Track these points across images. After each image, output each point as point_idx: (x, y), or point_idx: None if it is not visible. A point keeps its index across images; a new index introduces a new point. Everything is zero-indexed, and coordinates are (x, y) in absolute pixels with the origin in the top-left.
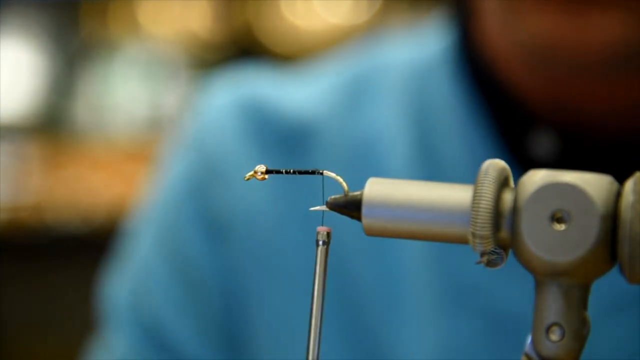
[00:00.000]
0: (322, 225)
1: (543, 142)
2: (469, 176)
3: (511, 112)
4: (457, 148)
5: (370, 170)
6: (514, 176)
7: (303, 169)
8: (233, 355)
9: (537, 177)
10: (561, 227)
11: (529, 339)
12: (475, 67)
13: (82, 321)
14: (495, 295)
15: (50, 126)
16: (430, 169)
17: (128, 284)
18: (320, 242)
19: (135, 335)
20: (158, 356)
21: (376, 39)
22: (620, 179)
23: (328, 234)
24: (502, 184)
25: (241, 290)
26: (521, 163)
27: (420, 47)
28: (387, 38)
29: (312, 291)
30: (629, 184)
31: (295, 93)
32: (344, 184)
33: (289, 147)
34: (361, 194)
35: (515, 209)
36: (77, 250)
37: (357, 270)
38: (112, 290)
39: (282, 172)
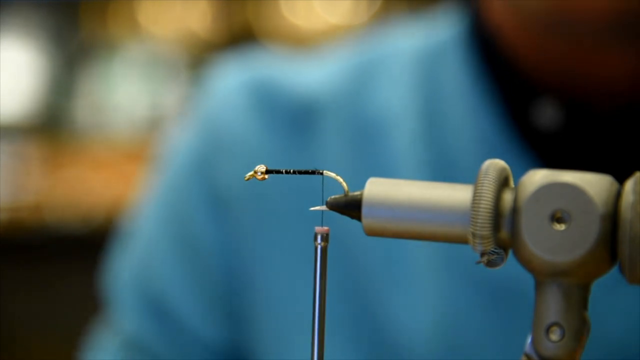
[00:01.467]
0: (322, 225)
1: (547, 112)
2: (474, 150)
3: (516, 84)
4: (463, 122)
5: (378, 146)
6: (519, 148)
7: (303, 169)
8: (236, 332)
9: (537, 177)
10: (561, 227)
11: (529, 339)
12: (483, 46)
13: (82, 321)
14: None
15: (50, 126)
16: (437, 143)
17: (133, 263)
18: (319, 243)
19: (141, 314)
20: (164, 333)
21: (384, 30)
22: (623, 150)
23: (327, 234)
24: (502, 184)
25: (245, 266)
26: (526, 134)
27: (428, 35)
28: (395, 28)
29: (314, 292)
30: (629, 184)
31: (305, 74)
32: (344, 184)
33: (297, 125)
34: (361, 194)
35: (515, 209)
36: (77, 250)
37: (357, 239)
38: (117, 271)
39: (282, 172)
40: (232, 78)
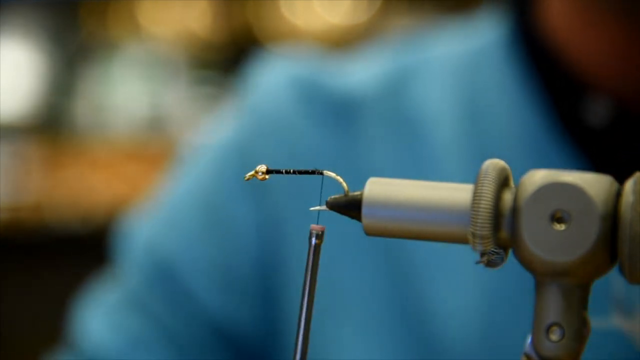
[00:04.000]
0: (318, 223)
1: (596, 110)
2: (520, 147)
3: (565, 82)
4: (508, 120)
5: (420, 142)
6: (567, 146)
7: (303, 169)
8: (267, 311)
9: (537, 177)
10: (561, 227)
11: (528, 339)
12: (531, 46)
13: None
14: None
15: (50, 126)
16: (480, 139)
17: (154, 227)
18: (314, 240)
19: (148, 275)
20: (168, 298)
21: (425, 33)
22: None
23: (322, 232)
24: (502, 184)
25: (279, 250)
26: (574, 132)
27: (469, 38)
28: (436, 32)
29: (303, 288)
30: (629, 184)
31: (348, 73)
32: (344, 184)
33: (340, 120)
34: (361, 194)
35: (515, 209)
36: (77, 250)
37: None
38: (136, 231)
39: (282, 172)
40: (279, 72)
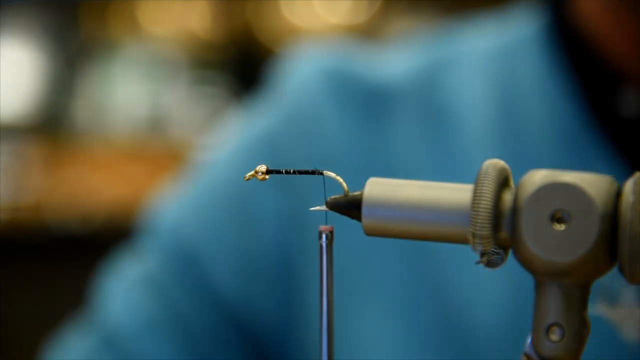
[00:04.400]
0: (326, 224)
1: (631, 102)
2: (553, 138)
3: (599, 74)
4: (541, 111)
5: (452, 133)
6: (601, 137)
7: (303, 169)
8: (286, 303)
9: (537, 177)
10: (561, 227)
11: (528, 339)
12: (566, 39)
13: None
14: None
15: (50, 126)
16: (513, 131)
17: (180, 209)
18: (324, 242)
19: (170, 257)
20: (186, 282)
21: (458, 27)
22: None
23: (331, 233)
24: (502, 184)
25: (303, 242)
26: (608, 124)
27: (503, 32)
28: (469, 26)
29: (320, 289)
30: (629, 184)
31: (380, 66)
32: (344, 184)
33: (371, 112)
34: (361, 194)
35: (515, 209)
36: (77, 250)
37: None
38: (164, 211)
39: (282, 172)
40: (311, 64)
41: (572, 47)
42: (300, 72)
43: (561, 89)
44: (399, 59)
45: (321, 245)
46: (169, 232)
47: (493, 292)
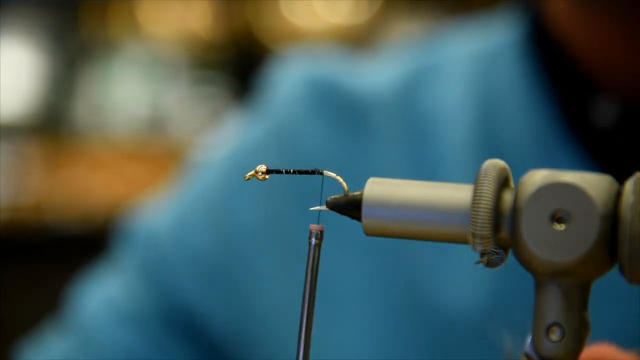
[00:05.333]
0: (318, 223)
1: (605, 110)
2: (529, 147)
3: (574, 82)
4: (519, 120)
5: (432, 142)
6: (575, 146)
7: (303, 169)
8: (239, 309)
9: (537, 177)
10: (561, 227)
11: (528, 339)
12: (543, 47)
13: None
14: None
15: (50, 126)
16: (492, 139)
17: (157, 218)
18: (313, 240)
19: (141, 268)
20: (154, 296)
21: (440, 34)
22: None
23: (321, 232)
24: (502, 183)
25: (279, 247)
26: (582, 132)
27: (484, 38)
28: (451, 33)
29: (304, 289)
30: (629, 184)
31: (362, 75)
32: (344, 184)
33: (353, 122)
34: (361, 194)
35: (515, 209)
36: (77, 250)
37: None
38: (141, 223)
39: (282, 172)
40: (295, 75)
41: (548, 55)
42: (285, 84)
43: (537, 98)
44: (382, 67)
45: (310, 244)
46: (144, 239)
47: (468, 291)
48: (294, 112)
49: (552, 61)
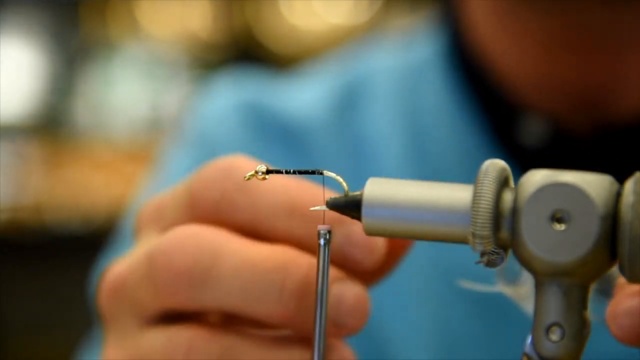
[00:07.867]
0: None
1: (532, 129)
2: (459, 167)
3: (500, 101)
4: (447, 140)
5: (365, 168)
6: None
7: (304, 168)
8: None
9: (537, 177)
10: (561, 227)
11: (528, 339)
12: (465, 61)
13: (82, 321)
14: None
15: (50, 126)
16: (423, 161)
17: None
18: (322, 241)
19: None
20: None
21: (366, 45)
22: (609, 167)
23: (329, 233)
24: (502, 184)
25: None
26: (511, 151)
27: (408, 51)
28: (377, 44)
29: (316, 288)
30: (629, 185)
31: (292, 95)
32: (344, 184)
33: (287, 144)
34: (361, 194)
35: (515, 209)
36: (77, 250)
37: None
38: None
39: (282, 172)
40: (224, 98)
41: (469, 72)
42: (213, 108)
43: (464, 117)
44: (313, 85)
45: (319, 245)
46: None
47: (421, 330)
48: (225, 135)
49: (474, 79)
